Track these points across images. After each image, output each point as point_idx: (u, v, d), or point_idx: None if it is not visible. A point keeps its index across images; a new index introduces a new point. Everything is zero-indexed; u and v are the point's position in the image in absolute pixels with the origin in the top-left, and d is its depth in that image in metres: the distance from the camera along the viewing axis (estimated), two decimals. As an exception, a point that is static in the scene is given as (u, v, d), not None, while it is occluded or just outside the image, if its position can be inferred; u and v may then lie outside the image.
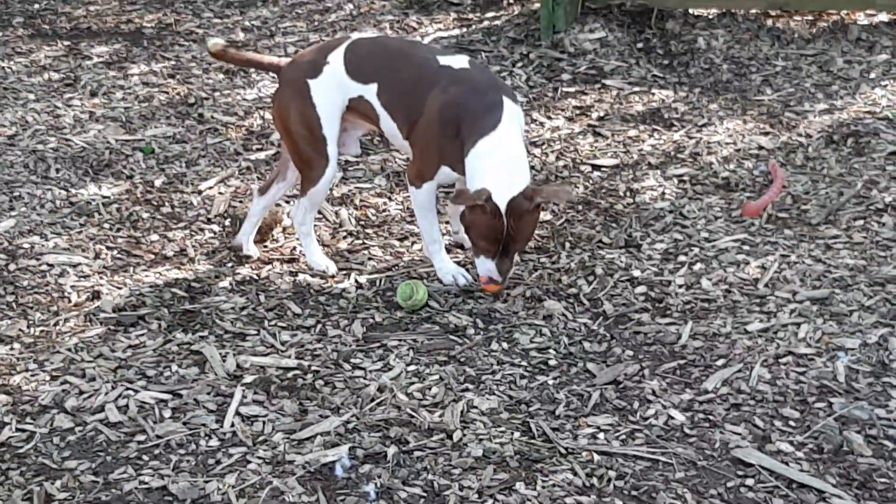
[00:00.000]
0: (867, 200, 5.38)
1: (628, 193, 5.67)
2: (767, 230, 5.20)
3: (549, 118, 6.60)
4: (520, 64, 7.37)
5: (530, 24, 7.80)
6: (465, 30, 7.97)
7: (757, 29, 7.57)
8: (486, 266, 4.65)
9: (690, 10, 7.77)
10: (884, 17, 7.53)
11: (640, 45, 7.51)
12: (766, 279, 4.79)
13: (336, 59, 4.82)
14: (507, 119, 4.61)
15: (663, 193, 5.63)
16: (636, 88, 6.97)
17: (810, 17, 7.66)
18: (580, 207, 5.52)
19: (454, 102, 4.63)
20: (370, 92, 4.78)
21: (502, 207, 4.49)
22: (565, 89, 7.01)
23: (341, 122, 4.88)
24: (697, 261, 4.98)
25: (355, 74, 4.80)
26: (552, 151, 6.15)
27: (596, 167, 5.98)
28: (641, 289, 4.79)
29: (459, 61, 4.77)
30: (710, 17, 7.71)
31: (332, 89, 4.81)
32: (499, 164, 4.54)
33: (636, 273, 4.90)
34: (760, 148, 6.06)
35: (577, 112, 6.69)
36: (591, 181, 5.82)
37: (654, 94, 6.89)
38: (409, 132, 4.75)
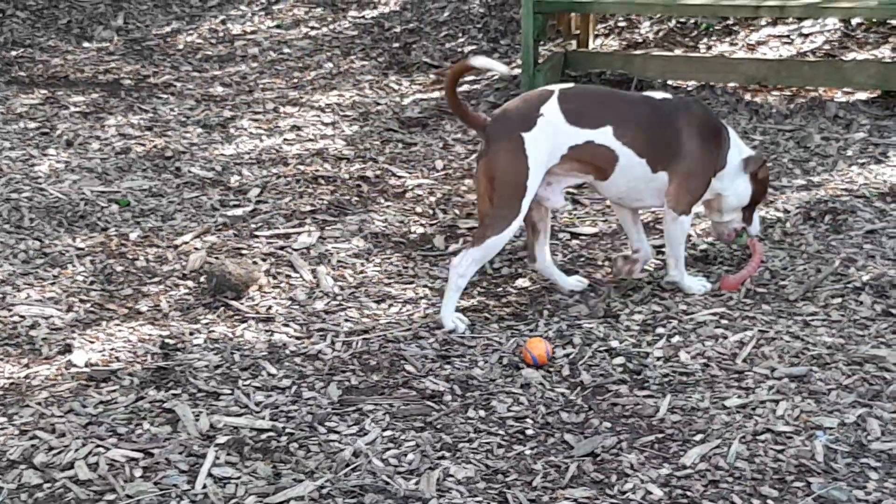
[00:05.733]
0: (845, 278, 5.38)
1: (607, 263, 5.66)
2: (746, 304, 5.19)
3: (528, 184, 6.58)
4: (499, 129, 7.36)
5: (510, 88, 7.83)
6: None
7: (735, 103, 7.62)
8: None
9: (669, 82, 7.82)
10: (861, 95, 7.59)
11: (619, 114, 7.52)
12: (744, 354, 4.76)
13: (551, 110, 4.91)
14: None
15: (641, 264, 5.62)
16: (615, 157, 6.97)
17: (788, 93, 7.72)
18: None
19: (705, 119, 5.21)
20: (604, 135, 4.94)
21: None
22: (544, 156, 7.00)
23: (546, 175, 4.98)
24: (676, 333, 4.96)
25: (579, 122, 4.92)
26: (530, 218, 6.13)
27: (574, 235, 5.97)
28: (619, 360, 4.75)
29: (660, 94, 5.36)
30: (689, 88, 7.75)
31: (546, 141, 4.90)
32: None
33: (614, 343, 4.87)
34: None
35: (556, 179, 6.67)
36: (569, 249, 5.81)
37: (632, 163, 6.89)
38: (666, 165, 5.07)
